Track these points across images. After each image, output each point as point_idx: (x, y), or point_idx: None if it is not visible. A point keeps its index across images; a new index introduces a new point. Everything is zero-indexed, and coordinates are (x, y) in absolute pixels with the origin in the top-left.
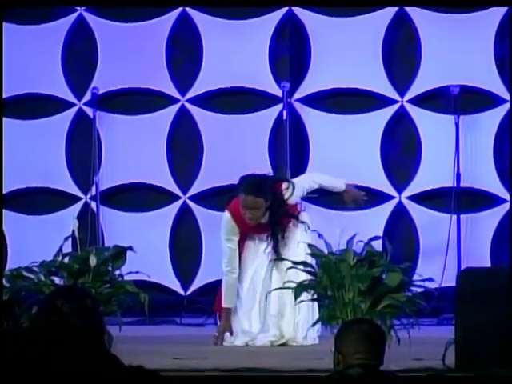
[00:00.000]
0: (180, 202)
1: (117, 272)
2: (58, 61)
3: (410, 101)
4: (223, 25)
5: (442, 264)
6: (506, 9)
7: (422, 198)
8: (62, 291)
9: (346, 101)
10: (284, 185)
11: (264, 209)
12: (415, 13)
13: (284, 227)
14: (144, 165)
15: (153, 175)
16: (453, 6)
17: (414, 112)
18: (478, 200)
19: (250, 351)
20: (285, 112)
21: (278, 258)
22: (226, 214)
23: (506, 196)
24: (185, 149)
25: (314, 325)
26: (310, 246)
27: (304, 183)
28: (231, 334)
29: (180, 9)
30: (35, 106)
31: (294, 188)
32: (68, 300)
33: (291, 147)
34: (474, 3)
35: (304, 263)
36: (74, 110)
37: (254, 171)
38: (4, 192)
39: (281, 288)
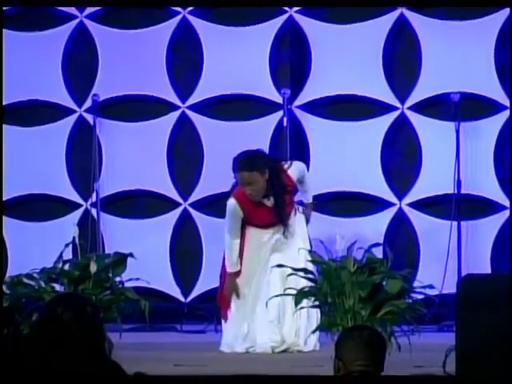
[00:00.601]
0: (180, 208)
1: (117, 279)
2: (58, 68)
3: (411, 108)
4: (223, 32)
5: (442, 271)
6: (506, 15)
7: (422, 205)
8: (62, 299)
9: (346, 107)
10: (285, 163)
11: (262, 182)
12: (416, 20)
13: (288, 211)
14: (144, 171)
15: (153, 182)
16: (453, 6)
17: (415, 119)
18: (479, 207)
19: (250, 358)
20: (285, 119)
21: (278, 265)
22: (231, 201)
23: (507, 203)
24: (185, 155)
25: (315, 331)
26: (310, 252)
27: (299, 165)
28: (238, 296)
29: (180, 16)
30: (36, 112)
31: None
32: (68, 308)
33: (292, 154)
34: (474, 3)
35: (304, 270)
36: (74, 116)
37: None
38: (4, 199)
39: (282, 295)
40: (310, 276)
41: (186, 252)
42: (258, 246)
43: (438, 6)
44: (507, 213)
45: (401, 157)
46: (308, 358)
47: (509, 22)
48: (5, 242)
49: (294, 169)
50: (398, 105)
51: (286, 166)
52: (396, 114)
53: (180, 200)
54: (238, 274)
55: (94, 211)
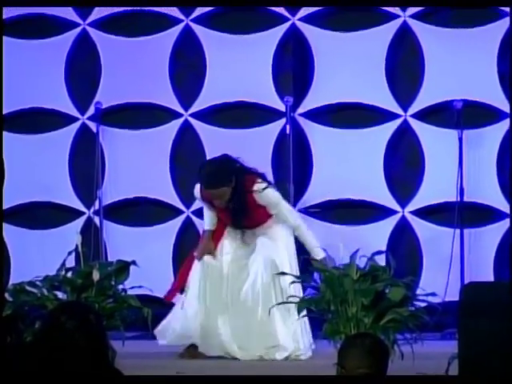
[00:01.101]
0: (183, 216)
1: (120, 287)
2: (61, 75)
3: (414, 115)
4: (226, 39)
5: (445, 278)
6: (508, 23)
7: (425, 213)
8: (65, 307)
9: (349, 115)
10: (258, 180)
11: (229, 192)
12: (418, 27)
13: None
14: (147, 179)
15: (156, 190)
16: (453, 5)
17: (418, 126)
18: (482, 214)
19: (252, 365)
20: (288, 126)
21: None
22: (196, 188)
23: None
24: (188, 163)
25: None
26: (313, 260)
27: (288, 208)
28: (213, 255)
29: (183, 23)
30: (39, 120)
31: (269, 186)
32: (72, 316)
33: (294, 162)
34: (475, 3)
35: (305, 277)
36: (77, 124)
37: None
38: (7, 206)
39: (285, 302)
40: (313, 284)
41: None
42: (234, 241)
43: (437, 6)
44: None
45: (403, 164)
46: (308, 366)
47: (510, 24)
48: (8, 249)
49: (263, 195)
50: (400, 112)
51: (255, 187)
52: (399, 121)
53: (183, 208)
54: (213, 234)
55: (96, 219)
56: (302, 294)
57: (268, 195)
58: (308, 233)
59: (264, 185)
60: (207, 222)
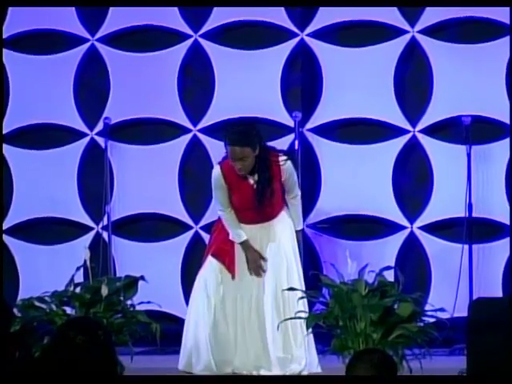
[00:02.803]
0: (192, 232)
1: (128, 302)
2: (69, 91)
3: (422, 131)
4: (235, 55)
5: (453, 294)
6: None
7: (433, 228)
8: (74, 322)
9: (357, 131)
10: (280, 154)
11: (252, 158)
12: (427, 43)
13: (274, 200)
14: (156, 195)
15: (164, 205)
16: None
17: (426, 142)
18: (490, 230)
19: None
20: (297, 142)
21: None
22: (216, 169)
23: None
24: (197, 179)
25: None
26: (321, 275)
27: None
28: (263, 259)
29: (192, 39)
30: (47, 136)
31: (290, 161)
32: (81, 332)
33: (303, 177)
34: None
35: (314, 292)
36: (85, 140)
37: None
38: (16, 222)
39: (293, 318)
40: (322, 299)
41: (197, 275)
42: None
43: (436, 7)
44: None
45: (412, 180)
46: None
47: (510, 24)
48: (16, 264)
49: (286, 167)
50: (409, 128)
51: (280, 158)
52: (407, 137)
53: (191, 223)
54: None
55: (105, 234)
56: (307, 308)
57: (290, 166)
58: (300, 205)
59: (285, 157)
60: (234, 230)
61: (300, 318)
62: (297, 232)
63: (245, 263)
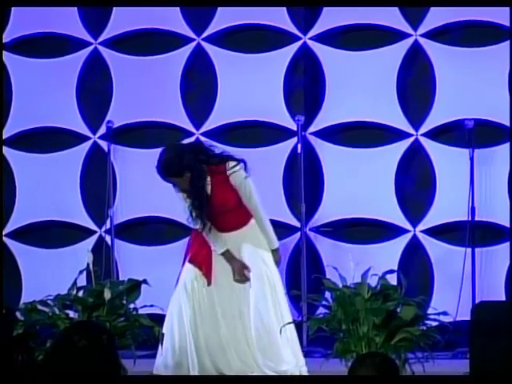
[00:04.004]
0: None
1: (131, 305)
2: (72, 94)
3: (425, 134)
4: (238, 58)
5: (456, 298)
6: None
7: (436, 232)
8: (78, 326)
9: (360, 134)
10: (231, 163)
11: (184, 183)
12: (430, 46)
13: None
14: (158, 198)
15: (167, 208)
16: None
17: (429, 145)
18: (493, 233)
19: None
20: (299, 145)
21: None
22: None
23: None
24: None
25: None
26: (324, 279)
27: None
28: (247, 268)
29: (195, 42)
30: (50, 139)
31: (245, 167)
32: (84, 335)
33: (306, 181)
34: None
35: (316, 296)
36: (88, 143)
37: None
38: (19, 225)
39: (293, 322)
40: (324, 303)
41: None
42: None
43: (436, 7)
44: None
45: (415, 183)
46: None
47: (510, 25)
48: (19, 268)
49: (235, 175)
50: (412, 131)
51: (228, 172)
52: (410, 140)
53: None
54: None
55: (108, 238)
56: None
57: (239, 174)
58: (267, 223)
59: (233, 164)
60: (219, 242)
61: (302, 322)
62: (273, 252)
63: (222, 269)
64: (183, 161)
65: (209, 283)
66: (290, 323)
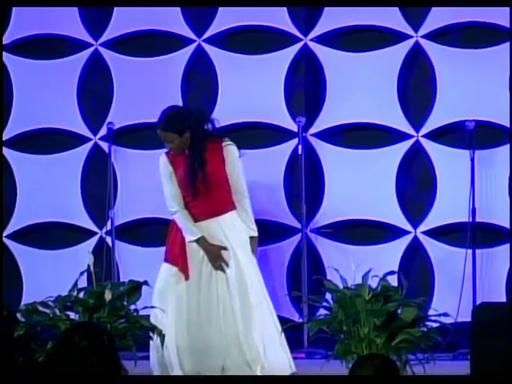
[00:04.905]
0: None
1: (132, 307)
2: (73, 95)
3: (426, 136)
4: (238, 60)
5: (457, 299)
6: None
7: (437, 233)
8: (78, 328)
9: (361, 135)
10: (228, 139)
11: (179, 142)
12: (430, 47)
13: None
14: (160, 199)
15: (168, 210)
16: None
17: (430, 147)
18: (494, 235)
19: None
20: (300, 147)
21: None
22: (162, 157)
23: None
24: None
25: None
26: (325, 280)
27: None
28: (224, 249)
29: (195, 44)
30: (51, 140)
31: (237, 149)
32: (85, 337)
33: (306, 182)
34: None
35: (317, 297)
36: (89, 144)
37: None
38: (19, 227)
39: (297, 322)
40: (325, 304)
41: None
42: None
43: (436, 7)
44: None
45: (416, 185)
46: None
47: (510, 25)
48: (20, 269)
49: (229, 149)
50: (412, 133)
51: (223, 143)
52: (411, 141)
53: None
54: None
55: (108, 239)
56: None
57: (233, 150)
58: (249, 208)
59: (228, 141)
60: (188, 227)
61: (303, 322)
62: (251, 238)
63: (198, 263)
64: (187, 120)
65: (186, 278)
66: (290, 324)
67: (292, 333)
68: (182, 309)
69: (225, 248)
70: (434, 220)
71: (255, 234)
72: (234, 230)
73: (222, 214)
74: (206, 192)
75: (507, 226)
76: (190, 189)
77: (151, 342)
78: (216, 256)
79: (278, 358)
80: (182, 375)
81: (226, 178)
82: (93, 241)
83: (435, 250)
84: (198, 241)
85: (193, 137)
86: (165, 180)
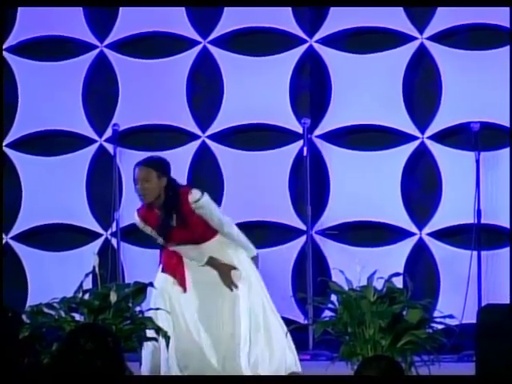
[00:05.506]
0: None
1: (137, 308)
2: (78, 97)
3: (431, 137)
4: (244, 61)
5: (462, 301)
6: None
7: (442, 235)
8: (84, 329)
9: (366, 137)
10: (194, 191)
11: (156, 184)
12: (435, 49)
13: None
14: None
15: None
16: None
17: (435, 148)
18: (499, 236)
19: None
20: (305, 148)
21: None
22: (135, 216)
23: None
24: (205, 185)
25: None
26: (330, 282)
27: (219, 214)
28: (235, 269)
29: (201, 45)
30: (56, 142)
31: (203, 194)
32: (90, 338)
33: (312, 184)
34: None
35: (322, 298)
36: (94, 146)
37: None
38: (25, 228)
39: (300, 324)
40: (330, 306)
41: None
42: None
43: (436, 7)
44: None
45: (421, 186)
46: None
47: (510, 25)
48: (25, 271)
49: (197, 203)
50: (418, 134)
51: (190, 195)
52: (416, 143)
53: None
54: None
55: (114, 240)
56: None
57: (202, 202)
58: (239, 238)
59: (199, 193)
60: (195, 257)
61: (309, 324)
62: (252, 259)
63: (195, 275)
64: (168, 166)
65: (184, 290)
66: (295, 326)
67: (297, 334)
68: (179, 314)
69: (235, 268)
70: (439, 222)
71: (254, 254)
72: (222, 250)
73: (203, 243)
74: (182, 233)
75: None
76: (165, 235)
77: (144, 349)
78: (227, 275)
79: (287, 359)
80: (182, 375)
81: (200, 218)
82: (98, 242)
83: (440, 251)
84: (207, 261)
85: (168, 185)
86: (143, 230)
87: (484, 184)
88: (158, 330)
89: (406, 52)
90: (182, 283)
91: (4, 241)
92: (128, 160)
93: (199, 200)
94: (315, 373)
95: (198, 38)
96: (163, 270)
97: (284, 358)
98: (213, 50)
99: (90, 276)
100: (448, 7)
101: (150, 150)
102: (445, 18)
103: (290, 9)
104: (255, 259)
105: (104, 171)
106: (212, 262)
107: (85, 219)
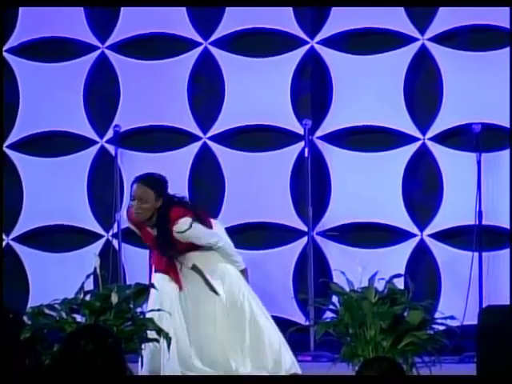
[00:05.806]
0: None
1: (138, 309)
2: (80, 98)
3: (432, 138)
4: (245, 62)
5: (463, 302)
6: None
7: (443, 236)
8: (84, 330)
9: (367, 138)
10: (181, 221)
11: (151, 205)
12: (437, 50)
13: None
14: None
15: None
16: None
17: (436, 150)
18: (500, 238)
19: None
20: (306, 149)
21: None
22: (124, 214)
23: None
24: (206, 186)
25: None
26: (331, 283)
27: (208, 238)
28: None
29: (202, 47)
30: (57, 143)
31: (190, 227)
32: (91, 339)
33: (313, 185)
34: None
35: (323, 300)
36: (96, 147)
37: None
38: (26, 230)
39: (304, 325)
40: (331, 307)
41: None
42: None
43: (437, 7)
44: None
45: (422, 187)
46: None
47: (510, 25)
48: (26, 272)
49: (180, 224)
50: (419, 135)
51: (175, 228)
52: (417, 144)
53: None
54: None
55: (115, 242)
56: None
57: (184, 224)
58: (226, 251)
59: (186, 225)
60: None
61: (310, 326)
62: (241, 272)
63: (189, 273)
64: (165, 186)
65: (180, 288)
66: (297, 327)
67: (298, 336)
68: (177, 315)
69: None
70: (440, 223)
71: (243, 267)
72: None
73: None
74: (172, 248)
75: None
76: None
77: (144, 352)
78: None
79: (286, 358)
80: (183, 375)
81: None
82: (99, 243)
83: (441, 252)
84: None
85: (162, 206)
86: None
87: (485, 185)
88: (159, 331)
89: (407, 53)
90: (177, 281)
91: (5, 242)
92: (129, 161)
93: (184, 232)
94: (316, 374)
95: (199, 39)
96: (156, 270)
97: (280, 365)
98: (214, 51)
99: (91, 277)
100: (448, 7)
101: (151, 151)
102: (446, 20)
103: (291, 10)
104: (244, 272)
105: (105, 172)
106: (196, 270)
107: (86, 220)
